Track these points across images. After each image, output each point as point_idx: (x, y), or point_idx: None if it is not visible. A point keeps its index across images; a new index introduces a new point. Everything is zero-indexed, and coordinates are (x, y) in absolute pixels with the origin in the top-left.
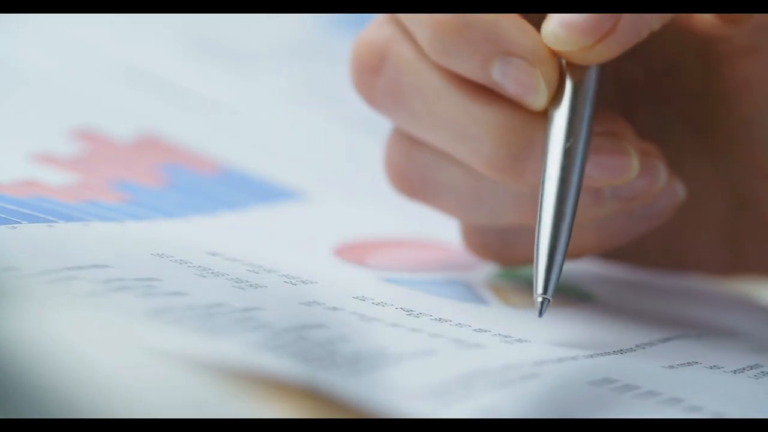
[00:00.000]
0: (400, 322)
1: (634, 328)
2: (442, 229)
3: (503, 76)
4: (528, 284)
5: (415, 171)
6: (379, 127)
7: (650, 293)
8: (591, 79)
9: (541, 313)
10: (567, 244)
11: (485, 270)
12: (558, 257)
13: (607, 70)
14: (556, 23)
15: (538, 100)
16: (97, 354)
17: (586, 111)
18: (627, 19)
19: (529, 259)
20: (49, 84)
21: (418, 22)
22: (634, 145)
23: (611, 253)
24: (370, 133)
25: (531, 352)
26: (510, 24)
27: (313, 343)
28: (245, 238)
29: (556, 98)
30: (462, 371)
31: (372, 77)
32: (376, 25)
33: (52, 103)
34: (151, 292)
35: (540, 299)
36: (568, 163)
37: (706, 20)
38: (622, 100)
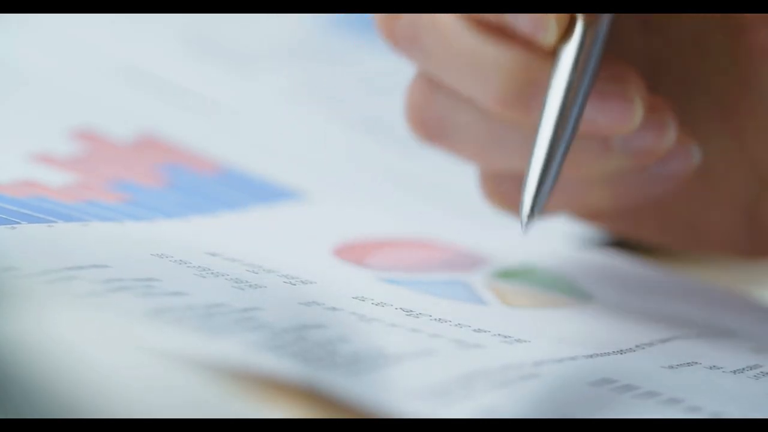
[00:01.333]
0: (399, 323)
1: (634, 328)
2: (442, 229)
3: (514, 14)
4: (528, 286)
5: (433, 114)
6: (379, 127)
7: (650, 293)
8: (602, 24)
9: (524, 228)
10: (558, 169)
11: (485, 270)
12: (548, 179)
13: (633, 44)
14: None
15: (548, 37)
16: (97, 354)
17: (594, 51)
18: None
19: (546, 210)
20: (49, 84)
21: None
22: (640, 93)
23: (633, 230)
24: (370, 133)
25: (531, 352)
26: None
27: (312, 344)
28: (245, 238)
29: (565, 38)
30: (462, 371)
31: (392, 19)
32: None
33: (52, 103)
34: (151, 292)
35: (528, 216)
36: (569, 94)
37: None
38: (646, 76)
